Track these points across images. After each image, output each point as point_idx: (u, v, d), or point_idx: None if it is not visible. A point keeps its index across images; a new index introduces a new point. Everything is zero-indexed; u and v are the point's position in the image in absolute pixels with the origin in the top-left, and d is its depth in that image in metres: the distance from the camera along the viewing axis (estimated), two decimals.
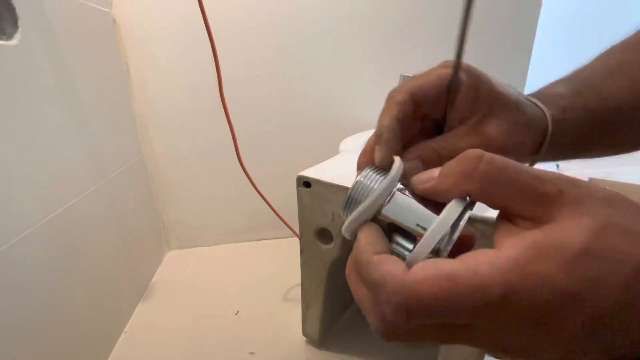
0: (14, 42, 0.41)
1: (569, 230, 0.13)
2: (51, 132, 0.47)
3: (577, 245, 0.12)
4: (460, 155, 0.16)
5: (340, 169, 0.50)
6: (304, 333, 0.62)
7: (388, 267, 0.15)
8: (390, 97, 0.22)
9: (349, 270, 0.20)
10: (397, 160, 0.20)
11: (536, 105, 0.26)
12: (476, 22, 0.80)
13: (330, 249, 0.50)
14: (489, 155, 0.15)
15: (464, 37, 0.20)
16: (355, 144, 0.64)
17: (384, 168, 0.21)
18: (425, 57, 0.83)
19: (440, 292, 0.13)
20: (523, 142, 0.24)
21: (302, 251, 0.53)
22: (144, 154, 0.79)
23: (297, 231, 0.52)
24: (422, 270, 0.14)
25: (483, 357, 0.44)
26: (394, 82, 0.42)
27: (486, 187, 0.15)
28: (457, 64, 0.21)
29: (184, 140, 0.81)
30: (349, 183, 0.43)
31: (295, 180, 0.47)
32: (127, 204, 0.69)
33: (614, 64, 0.28)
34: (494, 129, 0.23)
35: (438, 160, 0.22)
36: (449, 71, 0.21)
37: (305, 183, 0.47)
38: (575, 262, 0.12)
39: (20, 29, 0.42)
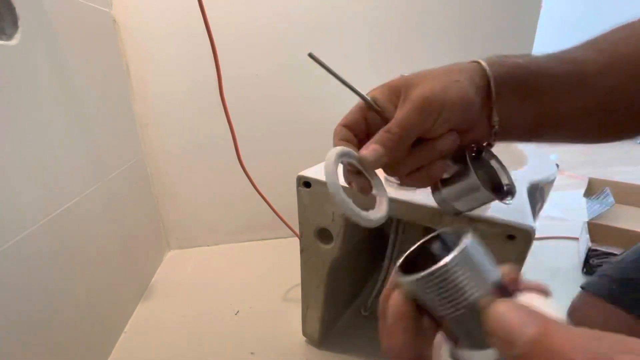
0: (14, 42, 0.41)
1: None
2: (51, 132, 0.47)
3: None
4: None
5: (340, 169, 0.50)
6: (304, 333, 0.62)
7: None
8: (334, 133, 0.30)
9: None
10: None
11: (473, 62, 0.27)
12: (476, 22, 0.80)
13: (330, 249, 0.50)
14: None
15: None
16: None
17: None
18: (425, 57, 0.83)
19: None
20: (460, 85, 0.25)
21: (302, 251, 0.53)
22: (144, 154, 0.79)
23: (297, 231, 0.52)
24: None
25: None
26: None
27: None
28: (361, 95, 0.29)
29: (184, 140, 0.81)
30: None
31: (295, 180, 0.47)
32: (127, 204, 0.69)
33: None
34: (418, 90, 0.26)
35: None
36: (360, 102, 0.29)
37: (305, 183, 0.47)
38: None
39: (20, 29, 0.42)
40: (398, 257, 0.22)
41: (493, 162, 0.30)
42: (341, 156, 0.26)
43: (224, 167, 0.83)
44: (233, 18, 0.73)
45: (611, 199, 0.97)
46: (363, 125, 0.29)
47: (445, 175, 0.29)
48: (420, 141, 0.27)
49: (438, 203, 0.30)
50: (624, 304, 0.38)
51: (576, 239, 0.93)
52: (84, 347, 0.52)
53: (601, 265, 0.78)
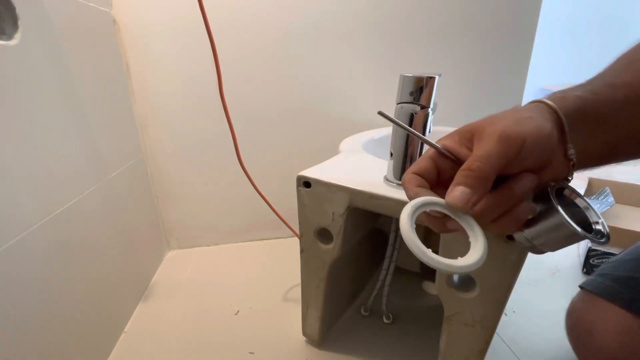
0: (14, 42, 0.41)
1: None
2: (51, 132, 0.47)
3: None
4: None
5: (340, 169, 0.50)
6: (304, 333, 0.62)
7: None
8: (404, 181, 0.29)
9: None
10: None
11: (538, 102, 0.27)
12: (476, 22, 0.80)
13: (330, 249, 0.50)
14: None
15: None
16: (355, 144, 0.64)
17: None
18: (424, 58, 0.84)
19: None
20: (534, 120, 0.25)
21: (302, 251, 0.53)
22: (144, 154, 0.79)
23: (297, 231, 0.52)
24: None
25: (483, 357, 0.44)
26: (394, 82, 0.42)
27: None
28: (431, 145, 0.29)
29: (184, 140, 0.81)
30: (348, 183, 0.44)
31: (295, 180, 0.47)
32: (127, 204, 0.69)
33: (624, 62, 0.29)
34: (493, 128, 0.25)
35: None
36: (431, 150, 0.29)
37: (305, 183, 0.47)
38: None
39: (20, 29, 0.42)
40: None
41: (578, 201, 0.29)
42: (422, 206, 0.26)
43: (224, 167, 0.83)
44: (233, 18, 0.73)
45: (611, 199, 0.98)
46: (434, 173, 0.29)
47: (530, 216, 0.27)
48: (497, 185, 0.26)
49: (521, 243, 0.29)
50: (623, 301, 0.38)
51: None
52: (84, 347, 0.52)
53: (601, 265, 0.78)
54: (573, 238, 0.25)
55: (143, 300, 0.73)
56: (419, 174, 0.29)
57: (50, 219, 0.45)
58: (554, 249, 0.27)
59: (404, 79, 0.38)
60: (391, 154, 0.43)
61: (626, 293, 0.38)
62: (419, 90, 0.38)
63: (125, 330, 0.65)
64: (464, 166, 0.25)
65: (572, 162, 0.27)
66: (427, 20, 0.81)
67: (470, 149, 0.27)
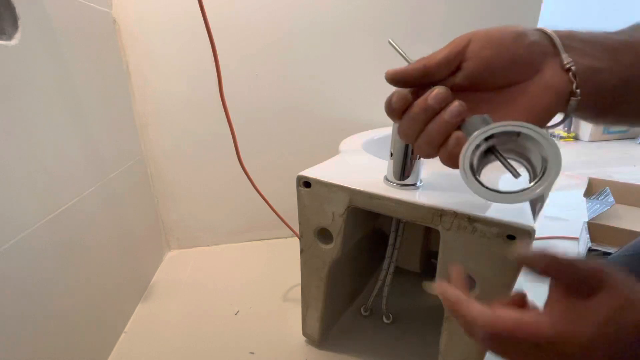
0: (14, 42, 0.41)
1: (601, 305, 0.19)
2: (51, 132, 0.47)
3: (602, 316, 0.19)
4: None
5: (340, 169, 0.50)
6: (304, 333, 0.62)
7: (478, 308, 0.23)
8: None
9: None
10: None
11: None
12: (476, 22, 0.80)
13: (330, 249, 0.50)
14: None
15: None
16: (355, 144, 0.64)
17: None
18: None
19: (510, 329, 0.21)
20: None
21: (302, 251, 0.53)
22: (144, 154, 0.79)
23: (297, 231, 0.52)
24: (501, 311, 0.22)
25: (483, 357, 0.44)
26: None
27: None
28: None
29: (184, 140, 0.81)
30: (348, 183, 0.44)
31: (295, 180, 0.47)
32: (127, 204, 0.69)
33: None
34: None
35: None
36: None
37: (305, 183, 0.47)
38: (600, 326, 0.19)
39: (20, 29, 0.42)
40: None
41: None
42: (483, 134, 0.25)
43: (224, 167, 0.83)
44: (233, 18, 0.73)
45: (611, 199, 0.98)
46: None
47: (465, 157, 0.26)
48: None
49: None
50: None
51: (576, 238, 0.93)
52: (84, 347, 0.52)
53: None
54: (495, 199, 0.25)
55: (143, 300, 0.73)
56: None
57: (50, 219, 0.45)
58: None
59: None
60: (391, 154, 0.43)
61: None
62: None
63: (125, 330, 0.65)
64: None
65: (570, 72, 0.25)
66: (428, 20, 0.81)
67: None
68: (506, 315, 0.21)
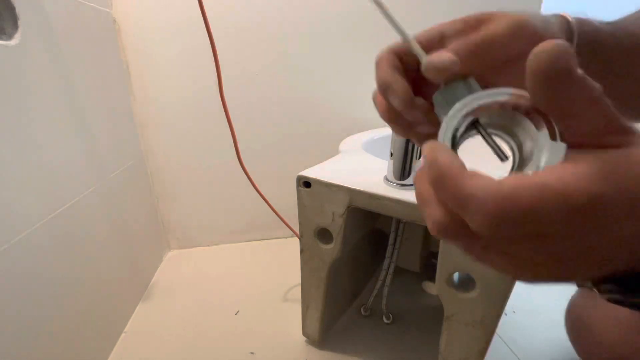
0: (14, 42, 0.41)
1: None
2: (51, 132, 0.47)
3: None
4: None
5: (340, 169, 0.50)
6: (304, 333, 0.62)
7: (480, 180, 0.15)
8: (378, 59, 0.24)
9: (421, 175, 0.19)
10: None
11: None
12: None
13: (330, 249, 0.50)
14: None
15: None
16: (355, 144, 0.64)
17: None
18: None
19: (534, 199, 0.14)
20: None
21: (302, 251, 0.53)
22: (143, 154, 0.79)
23: (297, 231, 0.52)
24: (515, 180, 0.15)
25: (483, 357, 0.44)
26: None
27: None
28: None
29: (184, 140, 0.81)
30: (348, 183, 0.44)
31: (295, 180, 0.47)
32: (127, 204, 0.69)
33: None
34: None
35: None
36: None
37: (305, 183, 0.47)
38: None
39: (20, 29, 0.42)
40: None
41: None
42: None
43: (224, 167, 0.83)
44: (233, 18, 0.73)
45: None
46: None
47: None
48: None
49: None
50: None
51: None
52: (84, 347, 0.52)
53: None
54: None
55: (143, 300, 0.73)
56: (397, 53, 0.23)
57: (49, 219, 0.45)
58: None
59: None
60: (391, 154, 0.43)
61: None
62: None
63: (125, 330, 0.64)
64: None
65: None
66: (428, 20, 0.80)
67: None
68: (525, 182, 0.14)
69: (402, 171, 0.42)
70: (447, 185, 0.16)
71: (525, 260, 0.17)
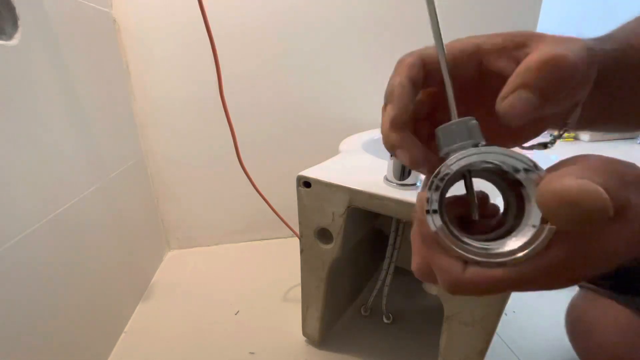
0: (14, 42, 0.41)
1: None
2: (51, 132, 0.47)
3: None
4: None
5: (340, 169, 0.50)
6: (304, 333, 0.62)
7: (446, 262, 0.18)
8: (401, 61, 0.22)
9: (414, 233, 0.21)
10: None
11: None
12: (476, 22, 0.79)
13: (330, 249, 0.50)
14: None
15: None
16: (355, 144, 0.64)
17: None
18: None
19: (490, 287, 0.17)
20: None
21: (302, 251, 0.53)
22: (144, 154, 0.79)
23: (297, 231, 0.52)
24: (477, 272, 0.17)
25: (483, 357, 0.44)
26: None
27: None
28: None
29: (184, 140, 0.81)
30: (348, 183, 0.44)
31: (295, 180, 0.47)
32: (127, 204, 0.69)
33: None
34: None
35: None
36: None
37: (305, 183, 0.47)
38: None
39: (20, 29, 0.42)
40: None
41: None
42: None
43: (224, 167, 0.83)
44: (233, 18, 0.73)
45: None
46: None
47: None
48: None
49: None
50: (622, 298, 0.38)
51: None
52: (84, 347, 0.52)
53: None
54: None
55: (143, 300, 0.73)
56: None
57: (49, 220, 0.45)
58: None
59: None
60: (391, 154, 0.43)
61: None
62: None
63: (125, 330, 0.64)
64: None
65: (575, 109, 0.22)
66: (427, 21, 0.81)
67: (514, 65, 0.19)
68: (487, 274, 0.16)
69: (402, 171, 0.42)
70: (424, 250, 0.20)
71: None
